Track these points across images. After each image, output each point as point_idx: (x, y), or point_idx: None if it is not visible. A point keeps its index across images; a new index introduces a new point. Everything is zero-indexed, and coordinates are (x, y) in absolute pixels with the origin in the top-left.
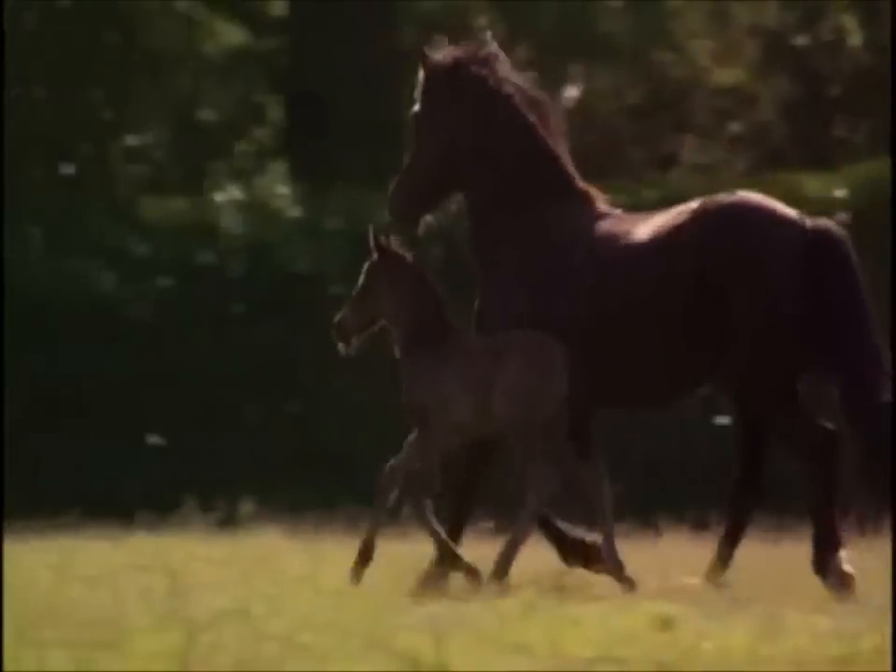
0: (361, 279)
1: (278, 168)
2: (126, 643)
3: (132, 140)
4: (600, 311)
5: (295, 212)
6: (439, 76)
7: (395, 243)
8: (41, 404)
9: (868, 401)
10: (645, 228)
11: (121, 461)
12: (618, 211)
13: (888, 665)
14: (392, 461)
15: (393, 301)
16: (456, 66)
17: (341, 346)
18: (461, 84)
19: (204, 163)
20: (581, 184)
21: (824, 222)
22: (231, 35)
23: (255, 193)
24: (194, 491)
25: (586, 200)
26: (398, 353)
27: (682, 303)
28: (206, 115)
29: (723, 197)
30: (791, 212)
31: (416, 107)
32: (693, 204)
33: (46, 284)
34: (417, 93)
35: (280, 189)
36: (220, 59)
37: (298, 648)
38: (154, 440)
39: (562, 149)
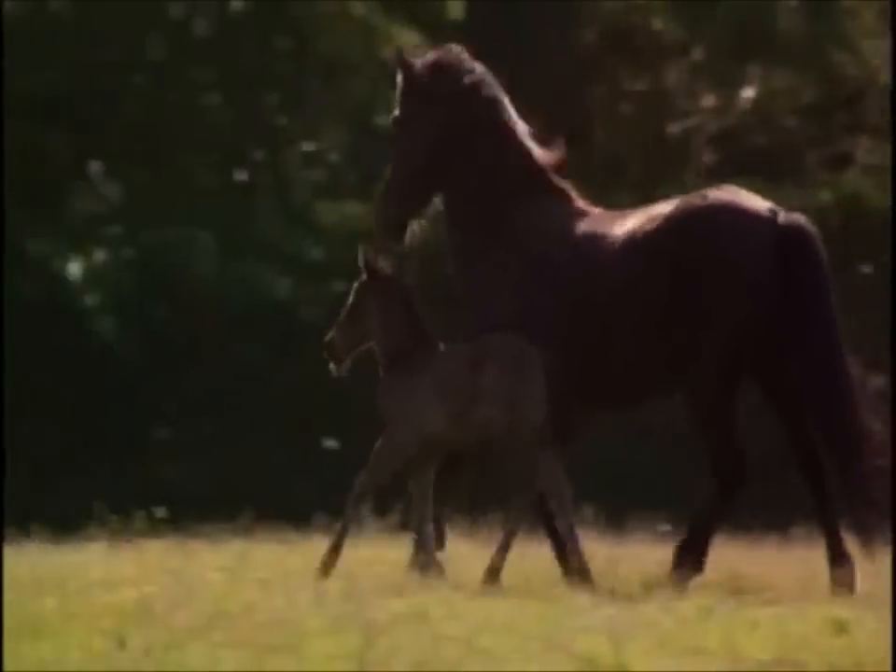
0: (350, 299)
1: None
2: (302, 645)
3: (307, 146)
4: (581, 308)
5: None
6: (417, 78)
7: (383, 262)
8: (214, 407)
9: (836, 404)
10: (623, 227)
11: (296, 464)
12: (596, 209)
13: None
14: (360, 476)
15: (380, 321)
16: (434, 69)
17: (332, 367)
18: (439, 86)
19: (380, 168)
20: (559, 182)
21: (796, 217)
22: (408, 39)
23: None
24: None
25: (564, 197)
26: (381, 371)
27: (659, 303)
28: (383, 120)
29: (697, 196)
30: (763, 207)
31: (396, 111)
32: (669, 204)
33: (220, 288)
34: (397, 97)
35: None
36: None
37: (476, 650)
38: (329, 443)
39: (537, 149)
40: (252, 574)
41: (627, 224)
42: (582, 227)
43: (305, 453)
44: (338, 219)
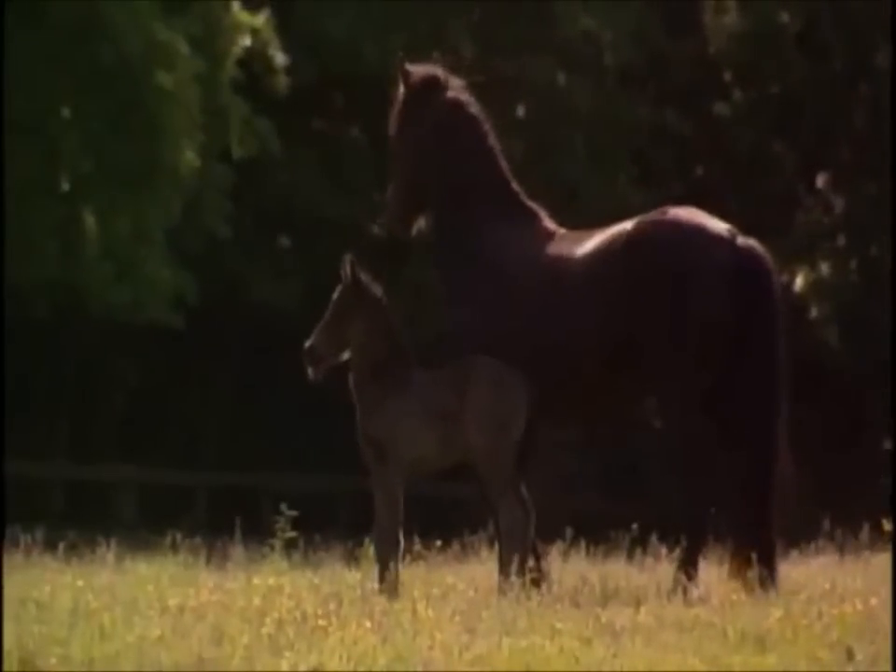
0: (331, 306)
1: None
2: None
3: None
4: (545, 330)
5: None
6: (418, 91)
7: (364, 273)
8: None
9: (759, 425)
10: (585, 248)
11: None
12: (562, 230)
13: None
14: (375, 528)
15: (364, 332)
16: (428, 81)
17: (310, 372)
18: (431, 97)
19: None
20: (529, 203)
21: (751, 242)
22: None
23: None
24: None
25: (534, 218)
26: (352, 382)
27: (620, 322)
28: None
29: (656, 215)
30: (721, 228)
31: (394, 123)
32: (629, 224)
33: None
34: (397, 108)
35: None
36: None
37: None
38: None
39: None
40: None
41: (590, 243)
42: (550, 247)
43: None
44: None
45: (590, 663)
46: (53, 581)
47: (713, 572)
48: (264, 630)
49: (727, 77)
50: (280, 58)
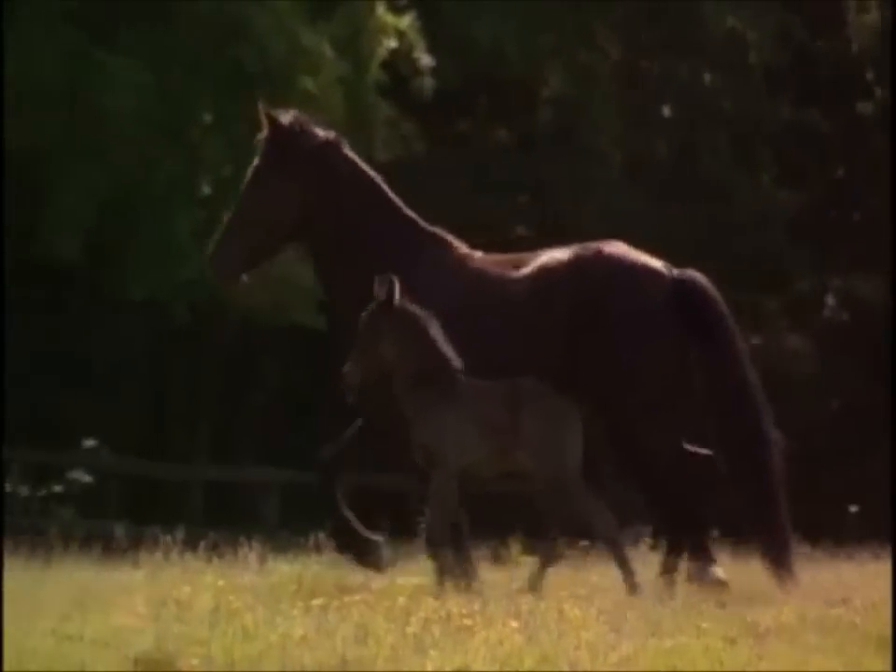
0: (362, 330)
1: None
2: None
3: None
4: (472, 359)
5: None
6: (285, 134)
7: (397, 291)
8: None
9: (747, 434)
10: (515, 275)
11: None
12: (478, 254)
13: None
14: (427, 526)
15: (396, 351)
16: (301, 127)
17: (350, 396)
18: (306, 143)
19: None
20: (434, 230)
21: (689, 272)
22: None
23: None
24: None
25: (441, 243)
26: (398, 391)
27: (554, 355)
28: None
29: (591, 248)
30: (656, 263)
31: (256, 161)
32: (564, 254)
33: None
34: (260, 149)
35: None
36: None
37: None
38: None
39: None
40: None
41: (522, 272)
42: (467, 272)
43: None
44: None
45: (734, 664)
46: (193, 581)
47: (854, 571)
48: (409, 629)
49: (870, 75)
50: (426, 60)
